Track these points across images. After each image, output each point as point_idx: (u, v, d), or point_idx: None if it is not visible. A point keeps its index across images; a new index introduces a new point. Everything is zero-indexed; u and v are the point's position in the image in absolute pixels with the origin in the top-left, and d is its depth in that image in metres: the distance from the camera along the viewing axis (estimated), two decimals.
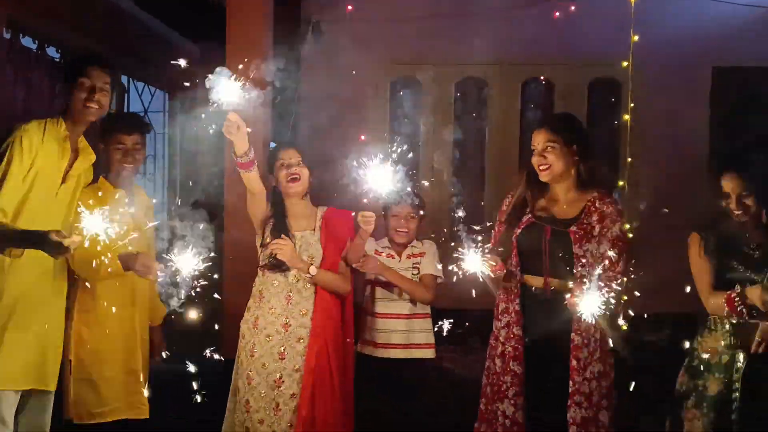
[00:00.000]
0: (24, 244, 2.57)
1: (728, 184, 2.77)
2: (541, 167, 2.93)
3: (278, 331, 3.06)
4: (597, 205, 2.89)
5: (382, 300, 3.38)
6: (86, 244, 2.45)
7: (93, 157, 2.95)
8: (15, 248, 2.60)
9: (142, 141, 3.15)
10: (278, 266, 3.06)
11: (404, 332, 3.33)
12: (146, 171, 6.65)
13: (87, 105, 2.79)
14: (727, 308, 2.70)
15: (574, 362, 2.81)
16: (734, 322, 2.76)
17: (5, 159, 2.64)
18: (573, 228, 2.85)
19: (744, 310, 2.65)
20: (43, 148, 2.70)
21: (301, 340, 3.05)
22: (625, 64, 6.57)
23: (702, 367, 2.87)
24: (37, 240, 2.45)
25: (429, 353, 3.38)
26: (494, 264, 2.83)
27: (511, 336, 2.94)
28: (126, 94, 6.71)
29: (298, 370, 3.04)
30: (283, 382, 3.03)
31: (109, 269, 2.77)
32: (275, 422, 3.01)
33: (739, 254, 2.81)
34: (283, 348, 3.05)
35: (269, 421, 3.02)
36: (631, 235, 6.64)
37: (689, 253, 2.95)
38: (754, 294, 2.61)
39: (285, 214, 3.15)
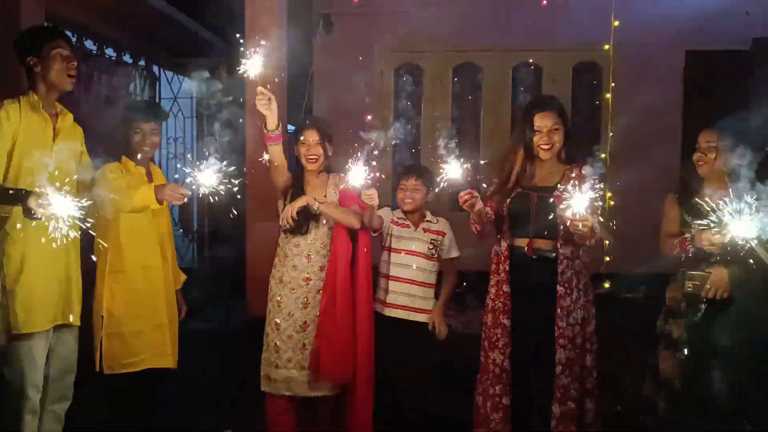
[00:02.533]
0: (6, 200, 2.50)
1: (705, 136, 2.86)
2: (545, 146, 2.92)
3: (300, 285, 3.15)
4: (574, 171, 2.91)
5: (394, 264, 3.34)
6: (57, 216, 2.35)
7: (71, 116, 2.86)
8: (9, 204, 2.53)
9: (158, 127, 3.15)
10: (297, 230, 3.14)
11: (410, 296, 3.31)
12: (176, 152, 6.62)
13: (69, 75, 2.73)
14: (678, 248, 2.80)
15: (558, 310, 2.84)
16: (683, 270, 2.84)
17: None
18: (556, 192, 2.86)
19: (691, 248, 2.75)
20: (24, 118, 2.64)
21: (320, 292, 3.15)
22: (606, 47, 6.49)
23: (668, 314, 2.90)
24: (16, 198, 2.41)
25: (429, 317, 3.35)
26: (466, 194, 2.84)
27: (501, 293, 2.97)
28: (158, 83, 6.65)
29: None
30: (308, 326, 3.15)
31: (143, 198, 2.75)
32: (302, 359, 3.13)
33: (697, 211, 2.82)
34: (305, 298, 3.15)
35: (297, 359, 3.13)
36: (612, 202, 6.66)
37: (663, 208, 3.02)
38: (703, 236, 2.68)
39: (303, 183, 3.21)
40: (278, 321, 3.14)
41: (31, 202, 2.33)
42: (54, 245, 2.41)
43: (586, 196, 2.60)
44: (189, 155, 6.86)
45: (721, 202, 2.55)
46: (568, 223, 2.68)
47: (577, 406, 2.88)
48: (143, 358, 3.01)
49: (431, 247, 3.33)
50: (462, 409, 3.22)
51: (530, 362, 2.94)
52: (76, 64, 2.76)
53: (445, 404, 3.52)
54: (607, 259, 6.37)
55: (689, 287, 2.78)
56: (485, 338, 3.04)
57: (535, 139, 2.93)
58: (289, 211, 3.06)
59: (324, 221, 3.17)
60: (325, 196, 3.20)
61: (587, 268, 2.92)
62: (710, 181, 2.85)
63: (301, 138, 3.16)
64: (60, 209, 2.32)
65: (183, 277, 3.36)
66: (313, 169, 3.20)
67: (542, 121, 2.92)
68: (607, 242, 6.41)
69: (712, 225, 2.67)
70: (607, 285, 6.46)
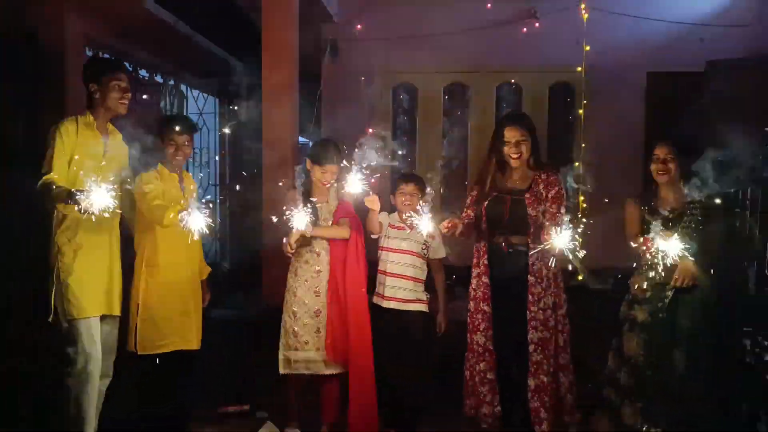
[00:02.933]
0: (65, 199, 2.59)
1: (660, 150, 2.87)
2: (514, 155, 2.98)
3: (312, 276, 3.22)
4: (542, 177, 2.98)
5: (391, 263, 3.36)
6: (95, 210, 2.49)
7: (119, 135, 2.99)
8: (63, 202, 2.63)
9: (190, 138, 3.17)
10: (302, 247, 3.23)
11: (405, 290, 3.33)
12: (201, 161, 6.62)
13: (121, 102, 2.86)
14: (644, 246, 2.83)
15: (530, 297, 2.90)
16: (649, 263, 2.85)
17: (51, 146, 2.73)
18: (526, 195, 2.93)
19: (653, 247, 2.77)
20: (79, 135, 2.77)
21: (329, 282, 3.23)
22: (579, 69, 6.51)
23: (633, 300, 2.92)
24: (68, 196, 2.54)
25: (423, 307, 3.37)
26: (451, 225, 2.93)
27: (481, 283, 3.04)
28: (185, 100, 6.65)
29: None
30: (320, 312, 3.21)
31: (171, 215, 2.80)
32: (318, 341, 3.19)
33: (659, 215, 2.84)
34: (317, 288, 3.22)
35: (313, 341, 3.19)
36: (584, 205, 6.67)
37: (625, 212, 3.04)
38: (662, 242, 2.72)
39: (311, 191, 3.29)
40: (295, 309, 3.19)
41: (77, 197, 2.48)
42: (97, 248, 2.68)
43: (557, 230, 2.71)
44: (215, 159, 6.86)
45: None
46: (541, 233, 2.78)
47: (553, 380, 2.92)
48: (171, 341, 3.05)
49: (424, 247, 3.35)
50: (452, 382, 3.30)
51: (509, 342, 2.99)
52: (130, 94, 2.88)
53: (439, 380, 3.57)
54: (580, 255, 6.40)
55: (657, 278, 2.79)
56: (470, 322, 3.10)
57: (505, 149, 2.97)
58: (288, 242, 3.10)
59: (324, 219, 3.25)
60: (327, 202, 3.27)
61: (559, 260, 2.91)
62: (667, 187, 2.87)
63: (322, 167, 3.20)
64: (102, 203, 2.48)
65: (207, 269, 3.38)
66: (327, 188, 3.28)
67: (511, 134, 2.98)
68: (579, 239, 6.43)
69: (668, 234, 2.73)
70: (580, 278, 6.47)
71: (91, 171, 2.65)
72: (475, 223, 3.09)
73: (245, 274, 5.91)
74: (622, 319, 2.95)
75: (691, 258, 2.63)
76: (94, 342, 2.76)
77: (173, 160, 3.09)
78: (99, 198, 2.47)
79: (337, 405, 3.30)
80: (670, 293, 2.80)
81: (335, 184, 3.25)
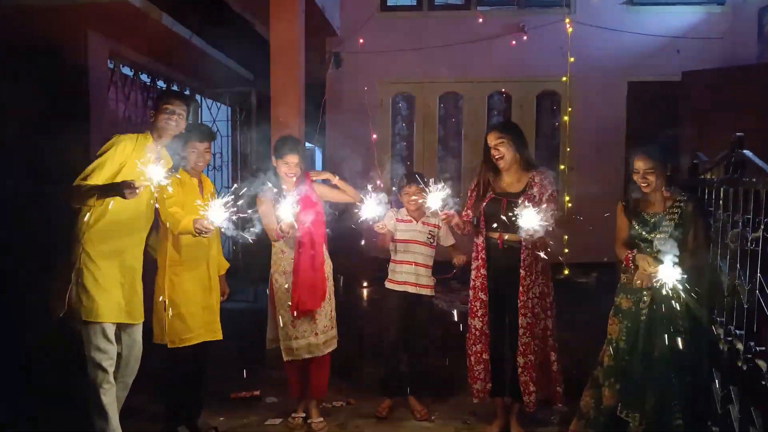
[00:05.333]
0: (106, 194, 2.59)
1: (638, 163, 2.80)
2: (496, 157, 3.07)
3: (290, 264, 3.26)
4: (536, 179, 3.03)
5: (402, 252, 3.47)
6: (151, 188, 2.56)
7: (171, 163, 2.96)
8: (97, 199, 2.63)
9: (209, 145, 3.16)
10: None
11: (416, 275, 3.44)
12: (215, 165, 6.62)
13: (168, 122, 2.84)
14: (624, 262, 2.85)
15: (521, 287, 3.01)
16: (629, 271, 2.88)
17: (104, 157, 2.71)
18: (521, 198, 2.99)
19: (632, 265, 2.82)
20: (134, 154, 2.74)
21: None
22: (564, 79, 6.53)
23: (620, 288, 2.93)
24: (114, 189, 2.55)
25: (430, 292, 3.49)
26: (448, 215, 3.01)
27: (479, 275, 3.14)
28: (200, 108, 6.65)
29: None
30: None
31: (181, 226, 2.84)
32: (315, 327, 3.25)
33: (642, 219, 2.84)
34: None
35: (311, 328, 3.24)
36: (570, 205, 6.68)
37: (616, 215, 3.01)
38: (640, 259, 2.76)
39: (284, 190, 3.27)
40: (291, 304, 3.20)
41: (125, 186, 2.51)
42: (125, 254, 2.69)
43: (536, 216, 2.78)
44: (226, 167, 6.86)
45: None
46: (528, 231, 2.83)
47: (543, 359, 3.08)
48: (197, 333, 3.04)
49: (430, 236, 3.47)
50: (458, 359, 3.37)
51: (502, 326, 3.13)
52: (176, 117, 2.85)
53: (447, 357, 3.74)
54: (566, 251, 6.41)
55: (637, 282, 2.79)
56: (469, 309, 3.22)
57: (491, 153, 3.08)
58: (281, 228, 3.07)
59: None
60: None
61: (547, 255, 3.01)
62: (651, 194, 2.85)
63: (283, 160, 3.22)
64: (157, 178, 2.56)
65: (226, 264, 3.36)
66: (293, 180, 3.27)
67: (491, 139, 3.09)
68: (566, 237, 6.46)
69: (650, 237, 2.77)
70: (566, 272, 6.50)
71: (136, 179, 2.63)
72: (474, 222, 3.20)
73: (256, 269, 5.92)
74: (614, 305, 2.97)
75: (666, 261, 2.64)
76: (111, 342, 2.73)
77: (195, 165, 3.09)
78: (156, 172, 2.52)
79: (326, 382, 3.37)
80: (646, 293, 2.80)
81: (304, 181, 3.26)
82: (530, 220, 2.78)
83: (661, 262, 2.65)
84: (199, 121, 6.50)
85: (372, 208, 3.14)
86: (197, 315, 3.04)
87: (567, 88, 6.80)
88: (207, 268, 3.10)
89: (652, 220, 2.80)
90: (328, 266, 3.33)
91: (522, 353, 3.03)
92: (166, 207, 2.89)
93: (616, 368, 2.85)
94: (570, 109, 6.89)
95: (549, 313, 3.10)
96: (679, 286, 2.63)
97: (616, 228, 2.97)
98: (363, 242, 3.92)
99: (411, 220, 3.48)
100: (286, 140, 3.27)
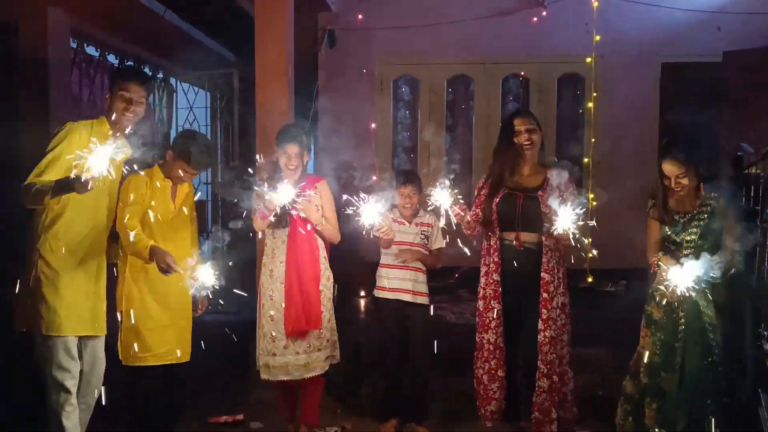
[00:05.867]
0: (59, 191, 2.53)
1: (667, 167, 2.80)
2: (526, 143, 3.11)
3: (282, 273, 3.23)
4: (554, 174, 3.09)
5: (395, 256, 3.47)
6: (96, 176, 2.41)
7: (130, 152, 2.90)
8: (51, 198, 2.55)
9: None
10: (279, 223, 3.23)
11: (411, 281, 3.46)
12: None
13: (125, 113, 2.79)
14: (652, 267, 2.92)
15: (544, 294, 2.98)
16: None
17: (59, 149, 2.66)
18: (539, 192, 3.04)
19: (658, 270, 2.88)
20: (90, 142, 2.62)
21: None
22: (588, 60, 6.48)
23: (652, 296, 2.93)
24: (66, 184, 2.46)
25: (426, 300, 3.49)
26: (458, 211, 3.01)
27: (491, 281, 3.13)
28: (174, 94, 6.63)
29: None
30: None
31: (138, 248, 2.78)
32: (296, 345, 3.21)
33: (672, 220, 2.88)
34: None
35: (292, 345, 3.21)
36: (594, 203, 6.65)
37: (648, 216, 3.04)
38: (664, 262, 2.82)
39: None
40: (272, 313, 3.21)
41: (75, 179, 2.40)
42: (86, 260, 2.65)
43: (568, 214, 2.77)
44: None
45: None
46: (553, 232, 2.81)
47: (559, 378, 3.07)
48: (156, 353, 2.96)
49: (423, 237, 3.51)
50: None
51: (520, 340, 3.12)
52: (133, 107, 2.79)
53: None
54: (591, 255, 6.38)
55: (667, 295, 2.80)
56: (479, 322, 3.21)
57: (517, 139, 3.11)
58: (267, 207, 3.08)
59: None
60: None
61: (564, 259, 3.07)
62: (684, 196, 2.85)
63: (283, 149, 3.23)
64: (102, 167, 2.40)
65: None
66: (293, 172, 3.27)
67: (522, 124, 3.13)
68: (589, 240, 6.42)
69: (677, 239, 2.80)
70: (590, 279, 6.46)
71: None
72: (484, 221, 3.18)
73: (240, 274, 5.88)
74: (644, 316, 2.97)
75: (687, 264, 2.66)
76: (73, 359, 2.71)
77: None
78: (98, 161, 2.36)
79: (316, 407, 3.35)
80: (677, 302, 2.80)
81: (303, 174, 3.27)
82: (566, 217, 2.76)
83: (682, 265, 2.66)
84: (174, 108, 6.48)
85: (373, 212, 3.12)
86: (156, 332, 2.96)
87: (592, 71, 6.74)
88: (175, 278, 3.00)
89: (682, 221, 2.81)
90: (326, 278, 3.31)
91: (546, 375, 2.99)
92: (123, 214, 2.82)
93: (651, 386, 2.86)
94: (595, 94, 6.83)
95: (568, 327, 3.11)
96: (698, 293, 2.65)
97: (647, 229, 2.98)
98: (363, 245, 3.89)
99: (404, 222, 3.52)
100: (288, 128, 3.32)
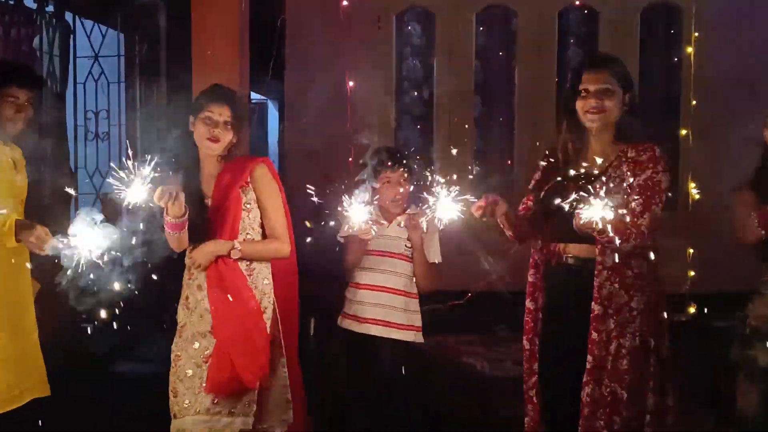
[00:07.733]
0: None
1: None
2: (591, 110, 3.02)
3: (207, 309, 3.23)
4: (630, 154, 3.00)
5: (367, 270, 3.53)
6: None
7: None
8: None
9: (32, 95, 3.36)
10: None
11: (389, 307, 3.48)
12: (98, 130, 6.64)
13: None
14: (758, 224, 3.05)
15: (593, 334, 2.94)
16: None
17: None
18: (598, 183, 2.98)
19: None
20: None
21: None
22: None
23: (752, 336, 2.97)
24: None
25: (416, 336, 3.52)
26: (480, 204, 3.01)
27: (527, 310, 3.18)
28: (72, 35, 6.66)
29: None
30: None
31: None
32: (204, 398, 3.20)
33: None
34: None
35: (199, 401, 3.21)
36: (697, 196, 6.69)
37: (736, 205, 3.21)
38: None
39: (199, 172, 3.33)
40: (188, 371, 3.24)
41: None
42: None
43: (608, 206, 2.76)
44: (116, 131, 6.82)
45: None
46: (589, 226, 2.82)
47: None
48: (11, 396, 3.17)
49: (409, 245, 3.49)
50: None
51: (555, 396, 3.11)
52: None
53: None
54: (692, 274, 6.40)
55: None
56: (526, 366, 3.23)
57: (580, 104, 3.03)
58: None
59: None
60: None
61: (651, 284, 2.97)
62: None
63: (205, 112, 3.20)
64: None
65: (36, 287, 3.44)
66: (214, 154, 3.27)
67: (590, 81, 3.03)
68: (690, 251, 6.43)
69: None
70: (692, 310, 6.48)
71: None
72: (534, 220, 3.17)
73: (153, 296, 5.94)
74: (735, 364, 3.02)
75: None
76: None
77: (9, 125, 3.23)
78: None
79: None
80: None
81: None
82: (596, 208, 2.77)
83: None
84: (71, 57, 6.53)
85: (358, 214, 3.21)
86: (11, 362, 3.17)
87: (693, 1, 6.82)
88: (16, 295, 3.25)
89: None
90: (267, 317, 3.29)
91: None
92: None
93: None
94: (697, 35, 6.90)
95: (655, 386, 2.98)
96: None
97: (737, 211, 3.07)
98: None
99: (383, 222, 3.48)
100: (214, 88, 3.31)
